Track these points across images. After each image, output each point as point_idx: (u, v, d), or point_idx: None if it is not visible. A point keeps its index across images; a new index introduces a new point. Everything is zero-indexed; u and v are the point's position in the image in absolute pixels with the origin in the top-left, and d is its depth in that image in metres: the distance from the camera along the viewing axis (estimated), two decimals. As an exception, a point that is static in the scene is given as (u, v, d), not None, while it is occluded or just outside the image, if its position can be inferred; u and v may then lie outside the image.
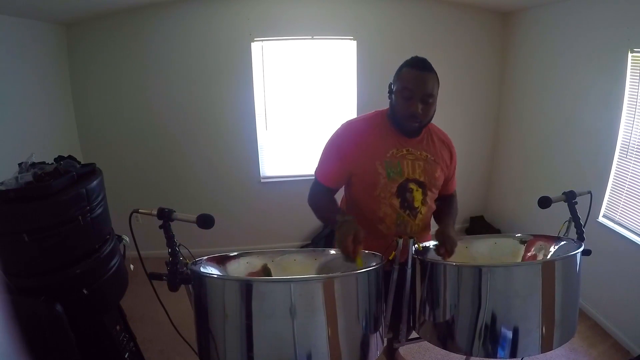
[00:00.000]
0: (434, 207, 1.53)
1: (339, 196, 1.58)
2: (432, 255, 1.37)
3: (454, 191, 1.66)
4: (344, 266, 1.32)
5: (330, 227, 1.39)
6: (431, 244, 1.43)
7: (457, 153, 1.59)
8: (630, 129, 2.29)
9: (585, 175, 2.62)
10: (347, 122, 1.49)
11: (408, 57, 1.40)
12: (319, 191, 1.48)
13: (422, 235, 1.50)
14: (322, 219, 1.47)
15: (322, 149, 1.49)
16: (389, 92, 1.43)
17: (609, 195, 2.47)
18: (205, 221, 1.11)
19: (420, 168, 1.43)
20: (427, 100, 1.34)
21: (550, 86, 2.97)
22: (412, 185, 1.42)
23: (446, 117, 3.63)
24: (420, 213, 1.45)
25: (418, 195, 1.44)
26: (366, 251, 1.34)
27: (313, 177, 1.52)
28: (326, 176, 1.48)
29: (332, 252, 1.39)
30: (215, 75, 3.20)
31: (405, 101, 1.34)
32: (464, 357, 1.50)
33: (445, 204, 1.60)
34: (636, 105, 2.25)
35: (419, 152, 1.44)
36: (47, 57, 2.88)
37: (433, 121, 1.50)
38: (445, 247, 1.29)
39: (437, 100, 1.41)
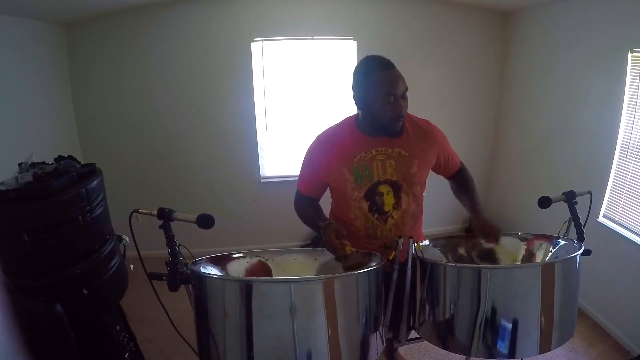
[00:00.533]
0: (415, 207, 1.46)
1: (328, 201, 1.60)
2: (433, 255, 1.38)
3: (460, 166, 1.63)
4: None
5: (318, 233, 1.41)
6: (426, 242, 1.45)
7: (457, 153, 1.58)
8: (630, 129, 2.29)
9: (585, 175, 2.62)
10: (318, 134, 1.49)
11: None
12: (302, 201, 1.55)
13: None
14: (309, 226, 1.49)
15: (301, 162, 1.52)
16: (358, 102, 1.38)
17: (609, 195, 2.46)
18: (205, 221, 1.11)
19: (392, 167, 1.38)
20: (404, 96, 1.33)
21: (550, 86, 2.97)
22: (383, 189, 1.39)
23: (446, 117, 3.66)
24: (392, 217, 1.42)
25: (389, 199, 1.40)
26: (366, 251, 1.34)
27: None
28: (306, 187, 1.54)
29: (332, 252, 1.39)
30: (215, 75, 3.20)
31: (389, 105, 1.30)
32: (464, 357, 1.50)
33: (458, 183, 1.59)
34: (636, 105, 2.25)
35: (390, 150, 1.39)
36: (47, 57, 2.88)
37: (432, 117, 1.51)
38: (492, 234, 1.36)
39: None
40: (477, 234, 1.42)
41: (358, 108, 1.42)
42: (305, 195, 1.54)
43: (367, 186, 1.39)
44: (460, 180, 1.61)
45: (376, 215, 1.41)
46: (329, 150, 1.42)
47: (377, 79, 1.31)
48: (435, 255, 1.46)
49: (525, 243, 1.47)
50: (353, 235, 1.43)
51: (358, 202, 1.41)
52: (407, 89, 1.33)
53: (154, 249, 1.59)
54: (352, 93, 1.40)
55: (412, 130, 1.44)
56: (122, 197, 2.54)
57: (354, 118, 1.47)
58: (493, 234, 1.37)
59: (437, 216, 3.54)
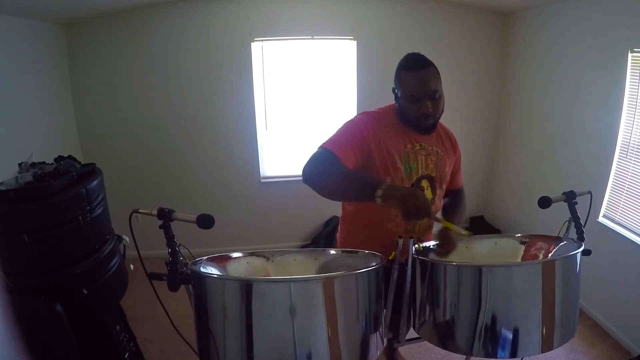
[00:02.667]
0: (440, 205, 1.53)
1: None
2: (433, 254, 1.37)
3: (461, 187, 1.66)
4: (344, 266, 1.32)
5: (356, 197, 1.27)
6: (431, 243, 1.42)
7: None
8: (630, 129, 2.29)
9: (585, 175, 2.62)
10: (366, 112, 1.44)
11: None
12: (333, 163, 1.23)
13: (426, 234, 1.51)
14: (344, 191, 1.26)
15: (338, 128, 1.36)
16: (395, 97, 1.42)
17: (609, 195, 2.46)
18: (205, 221, 1.10)
19: (433, 163, 1.43)
20: (434, 97, 1.33)
21: (550, 86, 2.97)
22: (424, 184, 1.43)
23: (446, 117, 3.61)
24: None
25: (428, 194, 1.44)
26: (366, 251, 1.34)
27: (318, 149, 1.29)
28: (343, 151, 1.26)
29: (332, 252, 1.39)
30: (216, 75, 3.21)
31: (414, 104, 1.33)
32: (464, 357, 1.50)
33: (453, 201, 1.61)
34: (636, 105, 2.25)
35: (430, 147, 1.44)
36: (47, 57, 2.88)
37: None
38: (446, 247, 1.31)
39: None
40: (438, 238, 1.37)
41: (394, 99, 1.42)
42: (336, 156, 1.24)
43: (414, 178, 1.40)
44: (454, 200, 1.62)
45: None
46: (382, 130, 1.35)
47: (404, 78, 1.34)
48: (435, 253, 1.45)
49: (525, 244, 1.47)
50: (390, 232, 1.42)
51: None
52: (436, 90, 1.32)
53: (154, 249, 1.59)
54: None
55: (443, 134, 1.52)
56: (122, 197, 2.54)
57: (395, 108, 1.44)
58: (447, 248, 1.29)
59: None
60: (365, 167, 1.35)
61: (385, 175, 1.36)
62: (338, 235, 1.67)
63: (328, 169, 1.23)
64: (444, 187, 1.50)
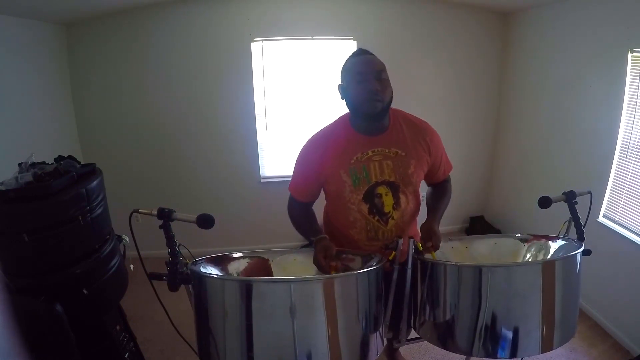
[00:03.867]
0: (413, 205, 1.46)
1: (322, 203, 1.58)
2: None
3: (446, 178, 1.58)
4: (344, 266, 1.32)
5: (306, 238, 1.42)
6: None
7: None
8: (630, 129, 2.29)
9: (585, 175, 2.62)
10: (311, 137, 1.47)
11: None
12: (295, 207, 1.51)
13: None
14: (301, 235, 1.47)
15: (293, 166, 1.49)
16: (341, 93, 1.40)
17: (609, 195, 2.46)
18: (205, 221, 1.11)
19: (390, 167, 1.37)
20: (380, 76, 1.31)
21: (550, 86, 2.97)
22: (381, 190, 1.38)
23: (446, 117, 3.66)
24: (392, 218, 1.40)
25: (388, 199, 1.38)
26: (366, 251, 1.34)
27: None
28: (299, 192, 1.50)
29: (332, 252, 1.39)
30: (216, 75, 3.20)
31: (361, 84, 1.30)
32: (464, 357, 1.50)
33: (435, 193, 1.55)
34: (636, 105, 2.25)
35: (387, 150, 1.37)
36: (47, 57, 2.88)
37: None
38: (432, 242, 1.29)
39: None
40: (421, 233, 1.36)
41: (342, 98, 1.42)
42: (299, 201, 1.50)
43: (365, 188, 1.37)
44: (440, 189, 1.56)
45: (377, 217, 1.40)
46: (324, 151, 1.40)
47: (349, 64, 1.37)
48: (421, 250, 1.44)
49: (525, 244, 1.47)
50: (353, 239, 1.44)
51: (357, 205, 1.39)
52: (383, 71, 1.32)
53: (154, 249, 1.59)
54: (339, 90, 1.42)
55: (407, 129, 1.42)
56: (122, 197, 2.54)
57: (347, 116, 1.44)
58: (434, 242, 1.30)
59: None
60: (322, 185, 1.47)
61: (335, 188, 1.41)
62: None
63: (293, 215, 1.52)
64: (413, 188, 1.42)
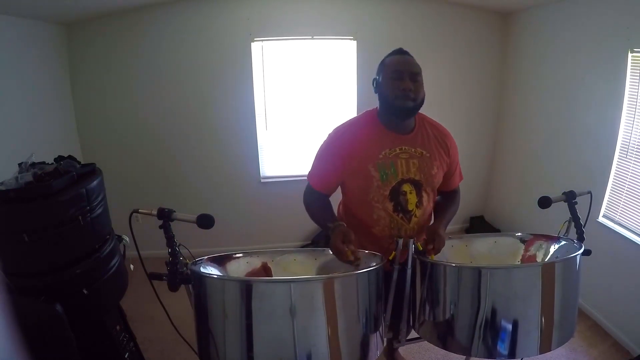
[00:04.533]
0: (431, 205, 1.50)
1: (336, 198, 1.57)
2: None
3: (456, 187, 1.61)
4: (344, 266, 1.32)
5: (326, 233, 1.40)
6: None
7: (458, 152, 1.58)
8: (630, 129, 2.29)
9: (585, 175, 2.62)
10: (336, 127, 1.47)
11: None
12: (313, 198, 1.49)
13: (421, 237, 1.50)
14: (317, 224, 1.47)
15: (314, 155, 1.49)
16: (375, 87, 1.44)
17: (609, 195, 2.46)
18: (205, 221, 1.11)
19: (415, 166, 1.40)
20: (416, 78, 1.36)
21: (550, 86, 2.97)
22: (406, 187, 1.40)
23: (446, 117, 3.62)
24: (415, 216, 1.42)
25: (412, 197, 1.40)
26: (366, 251, 1.34)
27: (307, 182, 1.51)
28: (320, 183, 1.48)
29: (332, 252, 1.39)
30: (216, 75, 3.20)
31: (396, 81, 1.35)
32: (464, 357, 1.50)
33: (444, 200, 1.57)
34: (636, 105, 2.25)
35: (413, 150, 1.41)
36: (47, 57, 2.88)
37: (432, 116, 1.51)
38: (434, 245, 1.29)
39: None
40: (425, 235, 1.37)
41: (375, 92, 1.45)
42: (317, 191, 1.49)
43: (392, 184, 1.39)
44: (448, 198, 1.58)
45: (400, 215, 1.41)
46: (352, 144, 1.40)
47: (388, 61, 1.41)
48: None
49: (525, 243, 1.47)
50: (375, 237, 1.44)
51: (382, 203, 1.39)
52: (418, 73, 1.36)
53: (154, 249, 1.59)
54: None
55: (431, 132, 1.48)
56: (122, 197, 2.54)
57: (375, 111, 1.47)
58: (436, 245, 1.29)
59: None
60: (346, 179, 1.44)
61: (362, 183, 1.40)
62: None
63: (310, 203, 1.49)
64: (432, 189, 1.45)
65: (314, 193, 1.49)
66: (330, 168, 1.44)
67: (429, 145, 1.44)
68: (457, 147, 1.54)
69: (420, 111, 1.44)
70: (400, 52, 1.42)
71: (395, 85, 1.34)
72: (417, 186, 1.41)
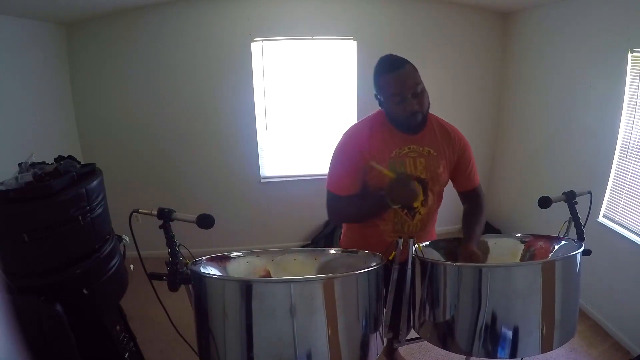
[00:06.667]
0: (437, 204, 1.52)
1: None
2: (432, 256, 1.37)
3: (477, 186, 1.58)
4: (344, 266, 1.32)
5: (375, 212, 1.42)
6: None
7: (471, 150, 1.57)
8: (630, 129, 2.29)
9: (585, 175, 2.62)
10: (349, 130, 1.47)
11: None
12: (339, 203, 1.45)
13: (423, 235, 1.51)
14: (362, 216, 1.46)
15: (331, 161, 1.46)
16: (378, 102, 1.42)
17: (609, 195, 2.46)
18: (205, 221, 1.11)
19: (422, 165, 1.42)
20: (416, 91, 1.32)
21: (550, 86, 2.97)
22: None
23: (446, 117, 3.62)
24: (419, 214, 1.45)
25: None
26: (366, 251, 1.34)
27: (326, 190, 1.47)
28: (343, 186, 1.44)
29: (332, 252, 1.39)
30: (215, 75, 3.20)
31: (399, 105, 1.33)
32: (464, 357, 1.50)
33: (469, 210, 1.54)
34: (636, 105, 2.25)
35: (421, 148, 1.43)
36: (47, 57, 2.88)
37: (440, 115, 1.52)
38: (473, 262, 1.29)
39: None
40: (460, 257, 1.38)
41: (380, 106, 1.44)
42: (343, 197, 1.44)
43: None
44: (473, 206, 1.55)
45: (405, 211, 1.44)
46: (366, 144, 1.40)
47: (383, 81, 1.35)
48: (435, 256, 1.45)
49: (525, 244, 1.47)
50: (379, 229, 1.47)
51: None
52: (417, 84, 1.32)
53: (154, 249, 1.59)
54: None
55: (440, 132, 1.48)
56: (122, 197, 2.54)
57: (384, 112, 1.46)
58: (472, 258, 1.32)
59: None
60: (364, 179, 1.43)
61: (376, 182, 1.40)
62: (341, 236, 1.71)
63: (340, 210, 1.46)
64: (439, 187, 1.48)
65: (340, 200, 1.44)
66: (351, 171, 1.42)
67: (436, 144, 1.45)
68: (469, 146, 1.53)
69: None
70: (391, 68, 1.33)
71: (399, 110, 1.34)
72: (423, 185, 1.43)
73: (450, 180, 1.55)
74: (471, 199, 1.58)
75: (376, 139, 1.42)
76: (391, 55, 1.37)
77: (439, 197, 1.51)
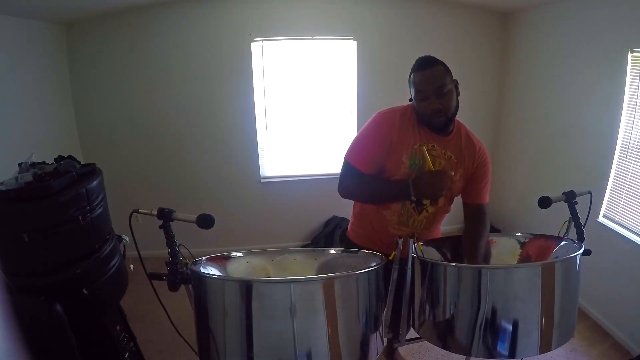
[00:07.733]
0: (445, 208, 1.52)
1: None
2: (432, 256, 1.37)
3: (484, 205, 1.54)
4: (344, 266, 1.32)
5: (390, 198, 1.43)
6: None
7: (490, 169, 1.55)
8: (630, 129, 2.29)
9: (585, 175, 2.62)
10: (381, 112, 1.48)
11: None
12: (356, 177, 1.45)
13: (426, 234, 1.51)
14: (372, 197, 1.47)
15: (357, 135, 1.48)
16: (409, 99, 1.45)
17: (609, 195, 2.46)
18: (205, 221, 1.10)
19: (441, 166, 1.43)
20: (442, 91, 1.34)
21: (550, 86, 2.97)
22: None
23: (446, 117, 3.65)
24: (427, 211, 1.47)
25: None
26: (366, 251, 1.34)
27: (343, 162, 1.47)
28: (363, 162, 1.44)
29: (332, 252, 1.39)
30: (216, 75, 3.20)
31: (423, 102, 1.36)
32: (464, 357, 1.50)
33: (475, 229, 1.48)
34: (636, 105, 2.25)
35: (443, 151, 1.45)
36: (47, 57, 2.88)
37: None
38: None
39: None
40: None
41: (409, 101, 1.47)
42: (360, 171, 1.44)
43: (416, 174, 1.41)
44: (480, 226, 1.49)
45: (413, 205, 1.45)
46: (396, 128, 1.42)
47: (413, 79, 1.40)
48: (435, 256, 1.46)
49: (524, 244, 1.47)
50: (384, 219, 1.48)
51: None
52: (443, 85, 1.34)
53: (154, 249, 1.59)
54: None
55: (465, 141, 1.49)
56: (122, 197, 2.54)
57: (413, 106, 1.47)
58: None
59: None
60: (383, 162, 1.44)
61: (391, 168, 1.41)
62: (348, 226, 1.72)
63: (358, 185, 1.45)
64: (451, 193, 1.48)
65: (355, 173, 1.44)
66: (375, 148, 1.42)
67: (459, 152, 1.47)
68: (489, 162, 1.53)
69: None
70: (420, 66, 1.37)
71: (423, 107, 1.37)
72: None
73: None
74: (475, 215, 1.53)
75: (403, 127, 1.43)
76: (428, 55, 1.40)
77: (449, 202, 1.51)
